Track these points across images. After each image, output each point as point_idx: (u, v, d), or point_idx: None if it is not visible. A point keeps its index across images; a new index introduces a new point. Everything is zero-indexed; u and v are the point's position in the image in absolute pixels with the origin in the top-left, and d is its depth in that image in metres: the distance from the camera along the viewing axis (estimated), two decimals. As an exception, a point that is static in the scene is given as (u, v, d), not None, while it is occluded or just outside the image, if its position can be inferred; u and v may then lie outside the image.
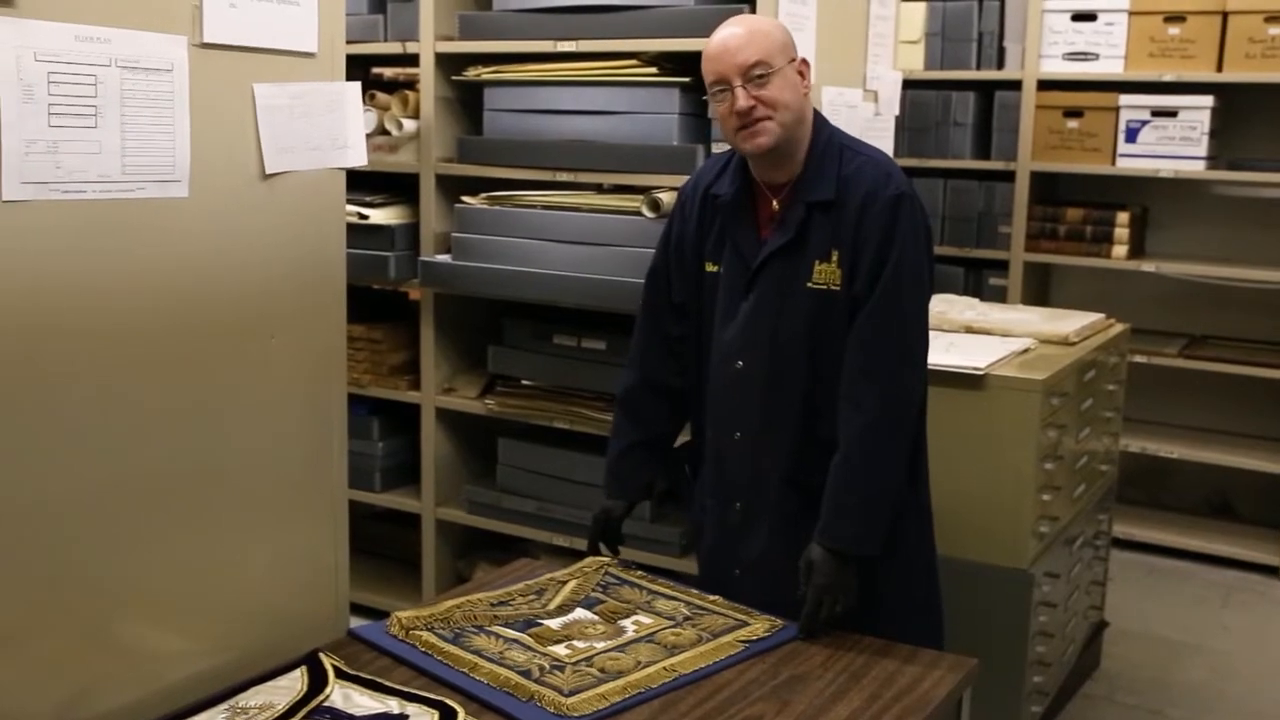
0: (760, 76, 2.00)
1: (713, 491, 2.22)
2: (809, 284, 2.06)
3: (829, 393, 2.06)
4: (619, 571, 2.17)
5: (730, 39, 2.03)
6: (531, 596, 2.03)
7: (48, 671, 1.58)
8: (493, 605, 1.97)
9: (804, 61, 2.08)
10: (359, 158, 1.94)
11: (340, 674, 1.74)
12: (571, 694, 1.69)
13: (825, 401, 2.07)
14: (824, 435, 2.06)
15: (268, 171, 1.79)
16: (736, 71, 2.01)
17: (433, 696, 1.68)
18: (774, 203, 2.11)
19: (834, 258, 2.05)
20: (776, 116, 2.02)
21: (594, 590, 2.08)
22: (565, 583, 2.09)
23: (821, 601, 1.97)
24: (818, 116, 2.13)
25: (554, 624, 1.93)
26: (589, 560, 2.20)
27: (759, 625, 1.98)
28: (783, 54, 2.03)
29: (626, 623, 1.96)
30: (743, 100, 2.01)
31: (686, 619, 1.99)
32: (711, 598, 2.08)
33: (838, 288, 2.05)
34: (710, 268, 2.17)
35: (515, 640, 1.86)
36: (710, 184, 2.19)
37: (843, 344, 2.05)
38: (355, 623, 1.99)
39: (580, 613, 1.98)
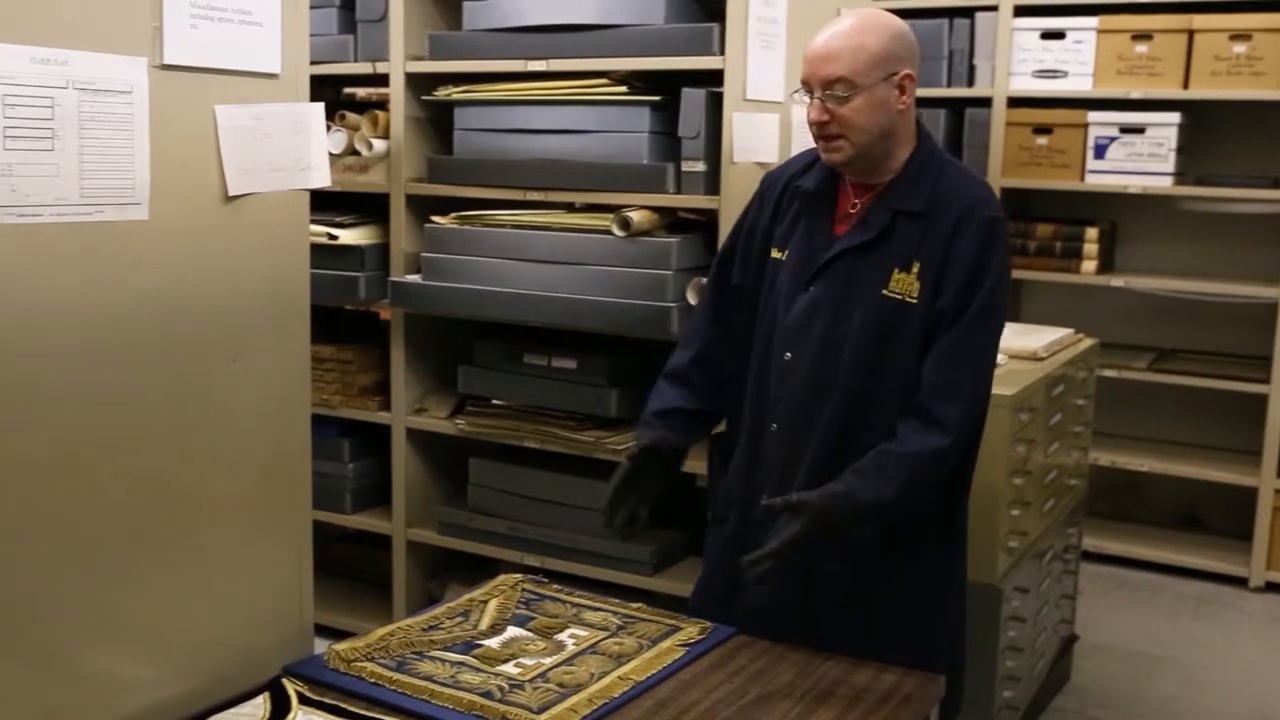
0: (841, 95, 1.96)
1: (742, 481, 2.18)
2: (883, 291, 2.01)
3: (880, 403, 2.02)
4: (535, 587, 2.16)
5: (823, 47, 1.98)
6: (459, 618, 2.02)
7: (9, 699, 1.55)
8: (424, 630, 1.96)
9: (908, 76, 2.00)
10: (323, 179, 1.93)
11: (303, 700, 1.73)
12: (541, 710, 1.69)
13: (874, 411, 2.02)
14: (863, 442, 2.01)
15: (230, 193, 1.77)
16: (818, 82, 1.98)
17: (397, 721, 1.67)
18: (854, 202, 2.08)
19: (914, 269, 2.00)
20: (849, 137, 1.99)
21: (518, 608, 2.07)
22: (486, 602, 2.08)
23: (788, 550, 1.93)
24: (923, 130, 2.10)
25: (493, 644, 1.92)
26: (502, 578, 2.18)
27: (692, 629, 1.99)
28: (877, 70, 1.96)
29: (564, 637, 1.96)
30: (814, 113, 2.00)
31: (620, 628, 2.00)
32: (634, 605, 2.09)
33: (914, 300, 2.00)
34: (775, 254, 2.13)
35: (462, 663, 1.84)
36: (796, 174, 2.15)
37: (907, 356, 2.01)
38: (320, 646, 1.97)
39: (514, 631, 1.97)
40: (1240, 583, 4.18)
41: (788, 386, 2.09)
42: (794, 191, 2.14)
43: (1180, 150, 4.22)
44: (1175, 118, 4.18)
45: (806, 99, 2.02)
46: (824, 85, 1.97)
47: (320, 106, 1.92)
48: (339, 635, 2.92)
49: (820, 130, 2.01)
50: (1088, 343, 3.39)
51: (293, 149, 1.87)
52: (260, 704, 1.72)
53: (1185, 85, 4.15)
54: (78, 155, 1.54)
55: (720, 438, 2.32)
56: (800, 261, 2.10)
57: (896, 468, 1.96)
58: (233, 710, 1.70)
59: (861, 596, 2.12)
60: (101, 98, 1.57)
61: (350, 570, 3.69)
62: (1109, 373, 4.18)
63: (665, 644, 1.94)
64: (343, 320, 3.48)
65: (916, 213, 2.02)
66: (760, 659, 1.93)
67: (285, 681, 1.78)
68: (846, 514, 1.95)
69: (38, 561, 1.58)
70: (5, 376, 1.51)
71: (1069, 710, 3.28)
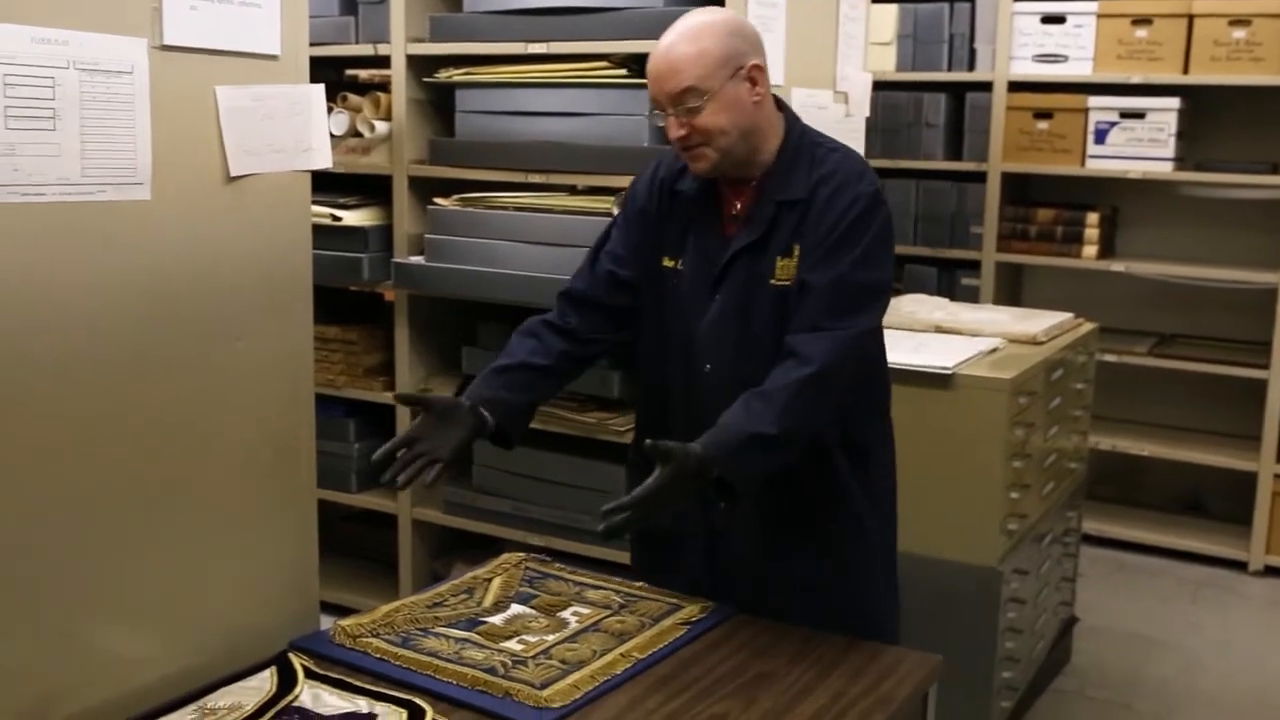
0: (694, 106, 1.92)
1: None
2: (772, 281, 2.00)
3: None
4: (538, 565, 2.18)
5: (663, 62, 1.94)
6: (463, 595, 2.03)
7: (17, 674, 1.57)
8: (429, 608, 1.98)
9: (755, 67, 1.97)
10: (324, 160, 1.94)
11: (310, 674, 1.75)
12: (544, 686, 1.70)
13: None
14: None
15: (232, 174, 1.79)
16: (668, 99, 1.94)
17: (401, 696, 1.68)
18: (735, 202, 2.05)
19: (795, 252, 1.99)
20: (712, 144, 1.95)
21: (522, 585, 2.09)
22: (490, 580, 2.09)
23: (649, 500, 1.81)
24: (788, 114, 2.07)
25: (497, 621, 1.94)
26: (505, 557, 2.19)
27: (693, 608, 2.00)
28: (723, 70, 1.93)
29: (567, 614, 1.97)
30: (674, 130, 1.95)
31: (622, 606, 2.01)
32: (637, 584, 2.10)
33: (789, 282, 1.98)
34: (668, 263, 2.10)
35: (466, 639, 1.86)
36: (673, 178, 2.11)
37: None
38: (326, 622, 1.99)
39: (518, 608, 1.99)
40: (1240, 567, 4.19)
41: (716, 396, 2.04)
42: (675, 197, 2.10)
43: (1180, 135, 4.22)
44: (1175, 103, 4.18)
45: (661, 119, 1.98)
46: (674, 100, 1.93)
47: (320, 88, 1.93)
48: (346, 613, 2.93)
49: (683, 144, 1.97)
50: (1087, 327, 3.40)
51: (293, 130, 1.88)
52: (267, 677, 1.73)
53: (1185, 70, 4.15)
54: (79, 135, 1.56)
55: (638, 462, 2.19)
56: (699, 271, 2.06)
57: (765, 403, 1.90)
58: (240, 683, 1.72)
59: (776, 574, 2.09)
60: (102, 78, 1.58)
61: (357, 549, 3.71)
62: (1109, 357, 4.19)
63: (666, 622, 1.95)
64: (347, 301, 3.50)
65: (798, 201, 1.99)
66: (760, 637, 1.94)
67: (292, 656, 1.79)
68: (721, 452, 1.86)
69: (45, 540, 1.59)
70: (8, 354, 1.53)
71: (1068, 691, 3.30)
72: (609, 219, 2.86)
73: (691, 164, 2.02)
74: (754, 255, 2.02)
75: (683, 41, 1.93)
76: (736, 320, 2.04)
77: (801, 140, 2.04)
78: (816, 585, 2.10)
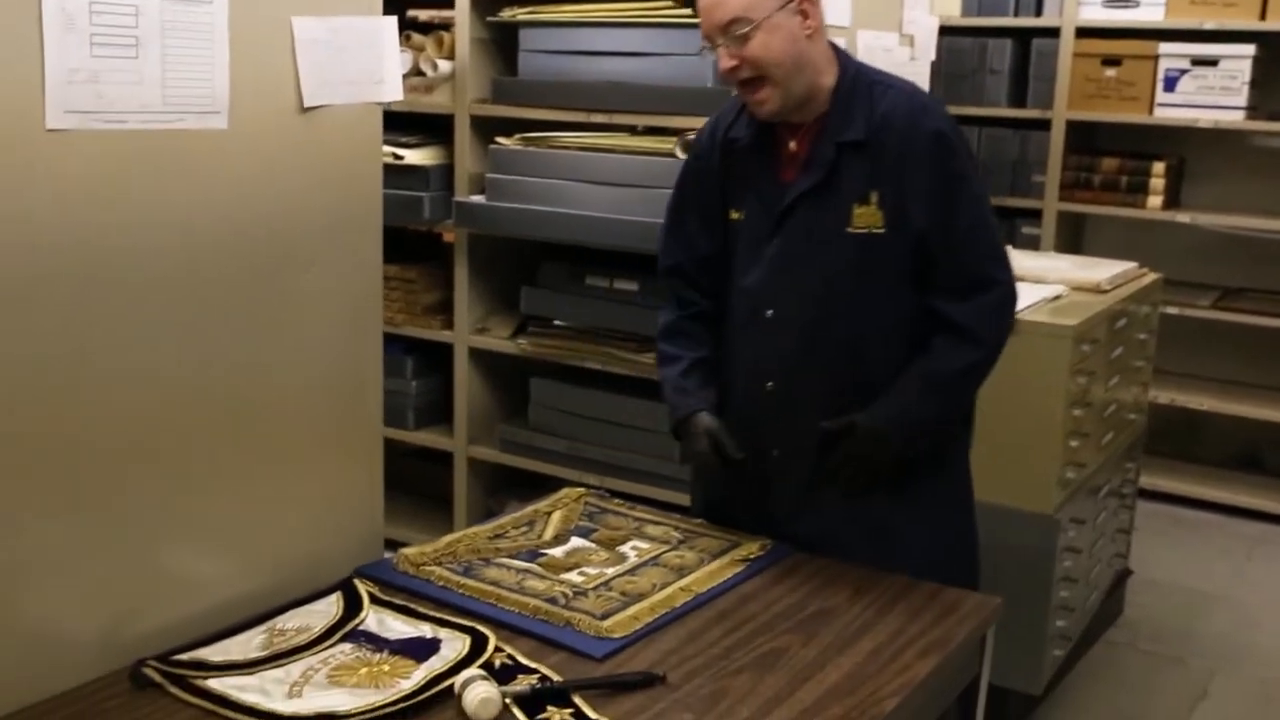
0: (741, 35, 1.91)
1: (742, 443, 2.14)
2: (849, 229, 1.98)
3: (876, 337, 2.01)
4: (599, 501, 2.21)
5: None
6: (524, 528, 2.07)
7: (96, 594, 1.62)
8: (490, 539, 2.01)
9: (807, 0, 1.95)
10: (395, 93, 1.95)
11: (375, 600, 1.79)
12: (604, 617, 1.73)
13: (872, 345, 2.02)
14: (870, 379, 2.02)
15: (306, 105, 1.80)
16: (717, 30, 1.93)
17: (464, 623, 1.71)
18: (792, 144, 2.03)
19: (873, 199, 1.97)
20: (769, 76, 1.94)
21: (582, 520, 2.12)
22: (550, 514, 2.13)
23: (851, 464, 2.01)
24: (840, 52, 2.04)
25: (558, 553, 1.97)
26: (565, 491, 2.23)
27: (751, 545, 2.03)
28: (769, 1, 1.91)
29: (626, 549, 2.00)
30: (725, 61, 1.94)
31: (681, 542, 2.04)
32: (695, 520, 2.13)
33: (881, 230, 1.97)
34: (735, 215, 2.09)
35: (527, 570, 1.89)
36: (728, 127, 2.10)
37: (891, 287, 1.99)
38: (387, 555, 2.03)
39: (578, 541, 2.02)
40: (1298, 524, 4.15)
41: (777, 343, 2.06)
42: (732, 146, 2.09)
43: (1254, 84, 4.12)
44: (1250, 50, 4.08)
45: (714, 54, 1.97)
46: (722, 31, 1.92)
47: (393, 20, 1.93)
48: (401, 547, 2.98)
49: (735, 77, 1.96)
50: (1151, 277, 3.35)
51: (366, 62, 1.89)
52: (334, 601, 1.78)
53: (1262, 16, 4.04)
54: (161, 63, 1.57)
55: None
56: (759, 217, 2.05)
57: (935, 384, 2.00)
58: (308, 606, 1.76)
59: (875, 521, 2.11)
60: (183, 6, 1.59)
61: (412, 485, 3.76)
62: (1172, 310, 4.13)
63: (725, 558, 1.97)
64: (407, 240, 3.52)
65: (860, 142, 1.97)
66: (819, 575, 1.96)
67: (357, 582, 1.84)
68: (900, 431, 2.00)
69: (124, 466, 1.63)
70: (89, 279, 1.56)
71: (1120, 643, 3.29)
72: (669, 159, 2.88)
73: (755, 108, 2.00)
74: (818, 200, 2.00)
75: None
76: (801, 267, 2.02)
77: (858, 78, 2.02)
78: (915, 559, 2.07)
